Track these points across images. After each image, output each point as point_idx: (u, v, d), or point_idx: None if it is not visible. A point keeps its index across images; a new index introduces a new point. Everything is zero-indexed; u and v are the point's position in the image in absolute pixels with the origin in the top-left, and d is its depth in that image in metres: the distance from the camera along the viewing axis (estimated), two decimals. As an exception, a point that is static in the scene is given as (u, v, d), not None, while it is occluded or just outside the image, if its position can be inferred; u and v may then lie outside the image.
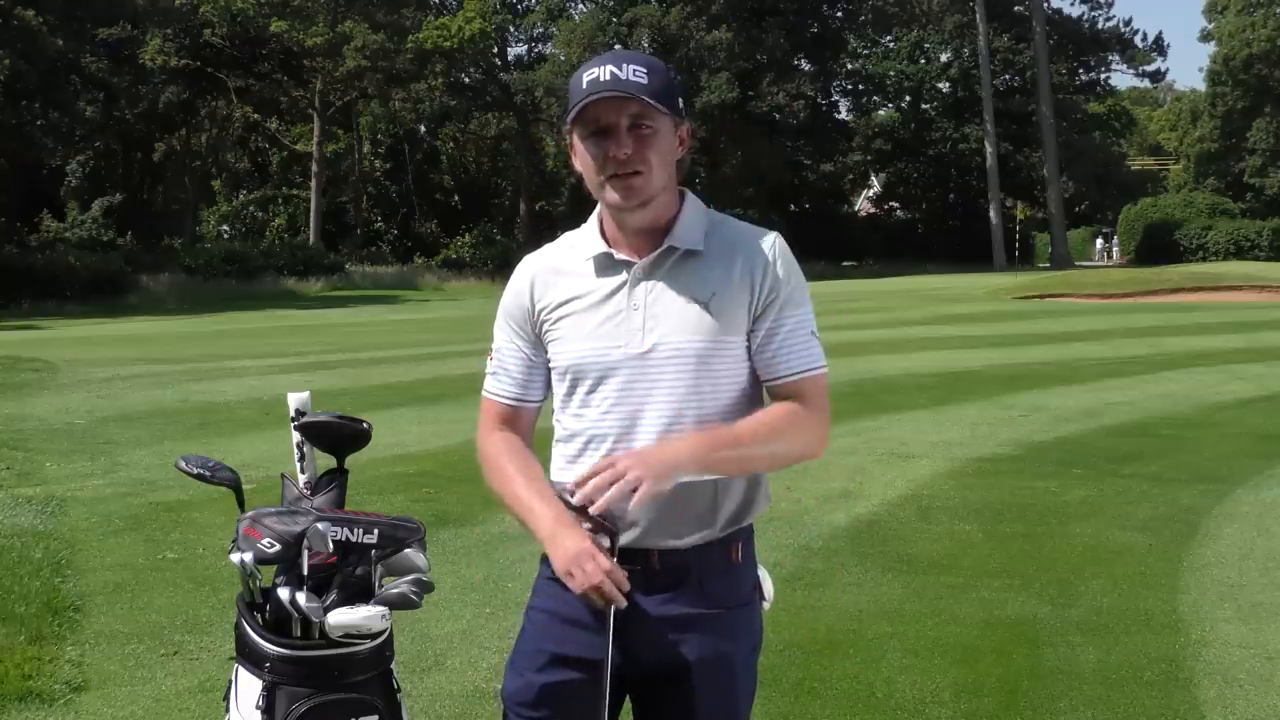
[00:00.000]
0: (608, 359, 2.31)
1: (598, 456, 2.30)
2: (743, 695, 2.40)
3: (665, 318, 2.30)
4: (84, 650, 5.04)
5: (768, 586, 2.48)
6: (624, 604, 2.22)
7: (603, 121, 2.24)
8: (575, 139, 2.30)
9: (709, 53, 50.59)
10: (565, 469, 2.37)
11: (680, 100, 2.32)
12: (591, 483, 2.17)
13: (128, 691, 4.61)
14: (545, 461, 2.45)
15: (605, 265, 2.35)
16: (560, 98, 51.35)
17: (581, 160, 2.31)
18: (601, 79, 2.23)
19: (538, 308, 2.39)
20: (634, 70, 2.24)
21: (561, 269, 2.39)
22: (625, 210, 2.29)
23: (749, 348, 2.34)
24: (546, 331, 2.38)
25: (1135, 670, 4.81)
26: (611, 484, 2.16)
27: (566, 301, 2.36)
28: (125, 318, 30.37)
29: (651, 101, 2.22)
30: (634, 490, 2.16)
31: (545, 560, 2.42)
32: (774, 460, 2.36)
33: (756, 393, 2.39)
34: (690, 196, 2.39)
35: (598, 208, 2.39)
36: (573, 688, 2.33)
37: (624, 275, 2.33)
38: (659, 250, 2.32)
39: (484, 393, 2.49)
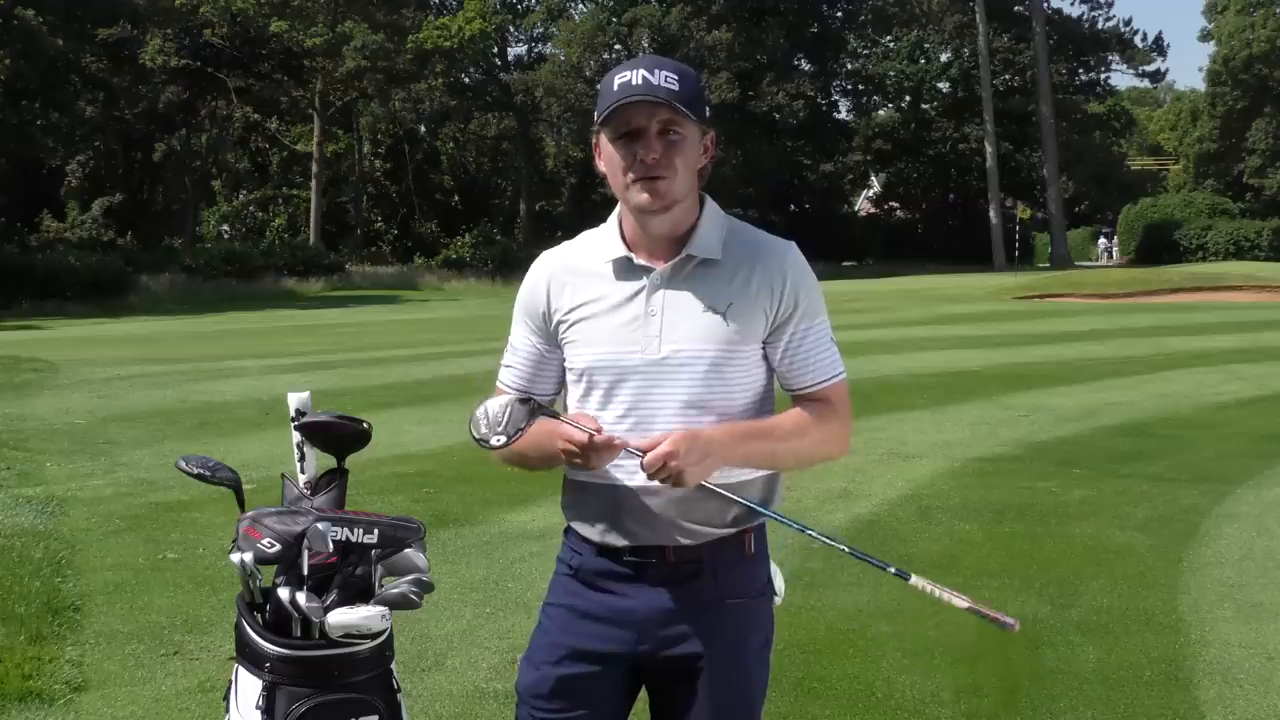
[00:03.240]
0: (624, 363, 2.34)
1: (613, 459, 2.32)
2: (756, 686, 2.44)
3: (681, 325, 2.33)
4: (84, 650, 5.04)
5: (779, 582, 2.52)
6: (600, 431, 2.24)
7: (633, 124, 2.27)
8: (603, 140, 2.33)
9: (709, 53, 50.53)
10: (578, 470, 2.39)
11: (707, 109, 2.35)
12: (650, 456, 2.20)
13: (128, 691, 4.62)
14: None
15: (624, 269, 2.38)
16: (560, 98, 51.34)
17: (608, 161, 2.33)
18: (634, 83, 2.26)
19: (554, 307, 2.42)
20: (666, 76, 2.27)
21: (579, 269, 2.42)
22: (649, 213, 2.31)
23: (764, 355, 2.38)
24: (563, 332, 2.42)
25: (1135, 670, 4.81)
26: (662, 466, 2.20)
27: (584, 304, 2.39)
28: (125, 318, 30.34)
29: (682, 109, 2.25)
30: (670, 479, 2.21)
31: (561, 558, 2.48)
32: (799, 458, 2.41)
33: (769, 398, 2.44)
34: (710, 203, 2.42)
35: (616, 209, 2.41)
36: (589, 681, 2.38)
37: (642, 281, 2.36)
38: (677, 258, 2.35)
39: (497, 382, 2.55)
